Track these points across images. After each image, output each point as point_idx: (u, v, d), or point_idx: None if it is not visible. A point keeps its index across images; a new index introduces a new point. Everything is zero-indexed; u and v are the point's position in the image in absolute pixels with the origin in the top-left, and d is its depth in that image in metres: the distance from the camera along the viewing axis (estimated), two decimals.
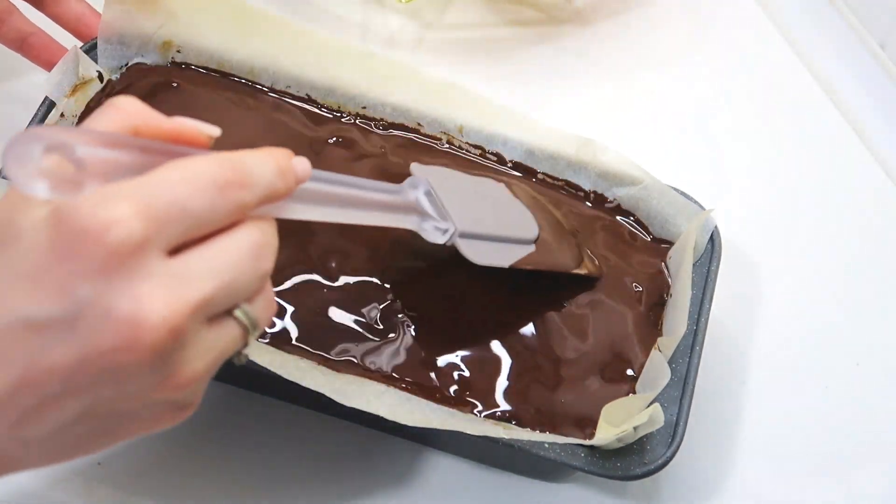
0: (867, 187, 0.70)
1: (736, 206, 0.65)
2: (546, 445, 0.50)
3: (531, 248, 0.54)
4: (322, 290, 0.54)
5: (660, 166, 0.60)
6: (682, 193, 0.59)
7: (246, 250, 0.37)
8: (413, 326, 0.53)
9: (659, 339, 0.54)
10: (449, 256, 0.51)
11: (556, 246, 0.56)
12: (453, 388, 0.52)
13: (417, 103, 0.61)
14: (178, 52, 0.62)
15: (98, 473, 0.54)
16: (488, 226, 0.53)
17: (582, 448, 0.50)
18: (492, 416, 0.52)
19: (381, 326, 0.53)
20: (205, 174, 0.36)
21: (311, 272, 0.54)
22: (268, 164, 0.39)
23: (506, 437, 0.50)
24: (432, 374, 0.53)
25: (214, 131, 0.40)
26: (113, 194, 0.34)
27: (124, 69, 0.61)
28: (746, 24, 0.78)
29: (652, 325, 0.56)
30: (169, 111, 0.59)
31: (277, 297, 0.53)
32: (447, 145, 0.61)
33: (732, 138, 0.72)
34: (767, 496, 0.57)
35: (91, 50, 0.60)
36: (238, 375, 0.56)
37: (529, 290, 0.56)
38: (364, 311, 0.54)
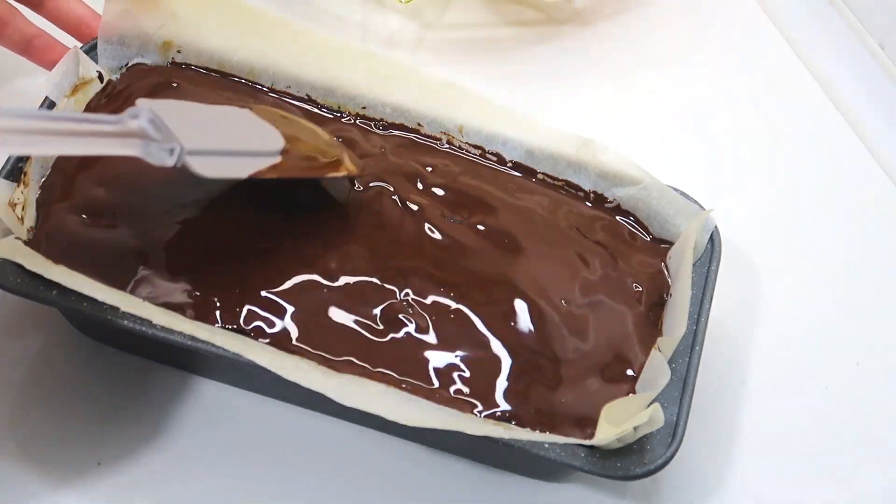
0: (867, 187, 0.70)
1: (736, 206, 0.65)
2: (546, 445, 0.50)
3: (276, 159, 0.54)
4: (322, 290, 0.54)
5: (660, 166, 0.60)
6: (682, 193, 0.59)
7: None
8: (414, 326, 0.53)
9: (659, 339, 0.54)
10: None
11: (309, 154, 0.56)
12: (453, 388, 0.52)
13: (417, 103, 0.61)
14: (179, 52, 0.62)
15: (98, 473, 0.54)
16: (222, 143, 0.52)
17: (582, 448, 0.50)
18: (492, 416, 0.52)
19: (382, 326, 0.53)
20: None
21: (311, 272, 0.54)
22: None
23: (506, 437, 0.50)
24: (432, 374, 0.53)
25: None
26: None
27: (124, 69, 0.61)
28: (746, 24, 0.78)
29: (652, 325, 0.56)
30: None
31: (277, 297, 0.53)
32: (447, 145, 0.61)
33: (732, 138, 0.72)
34: (767, 496, 0.57)
35: (91, 50, 0.60)
36: (238, 376, 0.56)
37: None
38: (364, 311, 0.54)
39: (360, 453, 0.56)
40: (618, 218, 0.60)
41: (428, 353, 0.53)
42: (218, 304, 0.53)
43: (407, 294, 0.54)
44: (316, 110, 0.62)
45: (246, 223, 0.56)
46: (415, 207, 0.58)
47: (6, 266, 0.51)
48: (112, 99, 0.60)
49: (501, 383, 0.53)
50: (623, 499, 0.56)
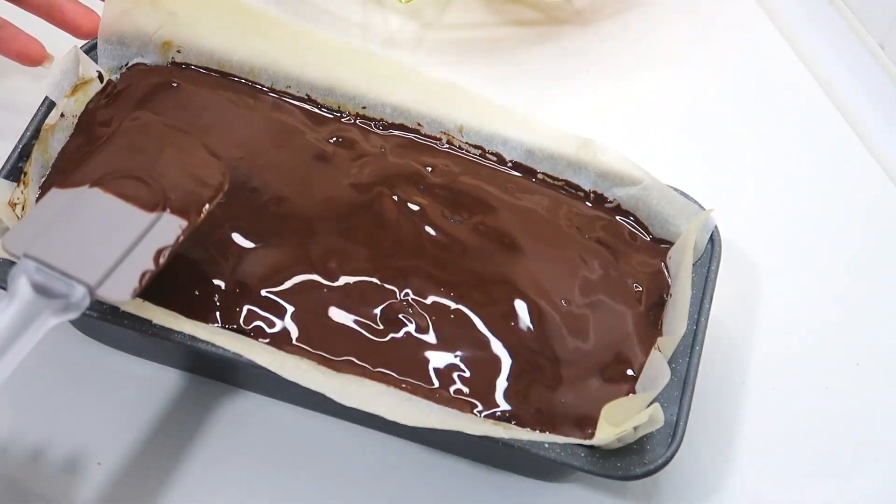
0: (867, 187, 0.70)
1: (736, 206, 0.65)
2: (546, 445, 0.50)
3: (173, 221, 0.50)
4: (322, 290, 0.54)
5: (660, 166, 0.60)
6: (682, 193, 0.59)
7: None
8: (414, 326, 0.53)
9: (659, 339, 0.54)
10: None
11: (182, 183, 0.51)
12: (453, 388, 0.52)
13: (417, 103, 0.61)
14: (178, 52, 0.62)
15: (98, 473, 0.54)
16: (113, 246, 0.47)
17: (582, 448, 0.50)
18: (492, 416, 0.52)
19: (382, 326, 0.53)
20: None
21: (311, 272, 0.54)
22: None
23: (506, 437, 0.50)
24: (432, 374, 0.53)
25: None
26: None
27: (124, 69, 0.61)
28: (746, 24, 0.78)
29: (652, 325, 0.56)
30: (169, 111, 0.60)
31: (277, 296, 0.53)
32: (447, 145, 0.61)
33: (732, 138, 0.72)
34: (767, 496, 0.57)
35: (91, 50, 0.60)
36: (238, 376, 0.56)
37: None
38: (364, 310, 0.54)
39: (360, 453, 0.56)
40: (618, 218, 0.60)
41: (428, 353, 0.53)
42: (218, 304, 0.53)
43: (407, 294, 0.54)
44: (316, 110, 0.62)
45: (246, 222, 0.56)
46: (415, 207, 0.58)
47: (6, 266, 0.51)
48: (112, 99, 0.60)
49: (501, 383, 0.53)
50: (623, 499, 0.56)
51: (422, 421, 0.49)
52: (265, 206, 0.57)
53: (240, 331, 0.52)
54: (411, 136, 0.61)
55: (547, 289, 0.56)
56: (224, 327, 0.52)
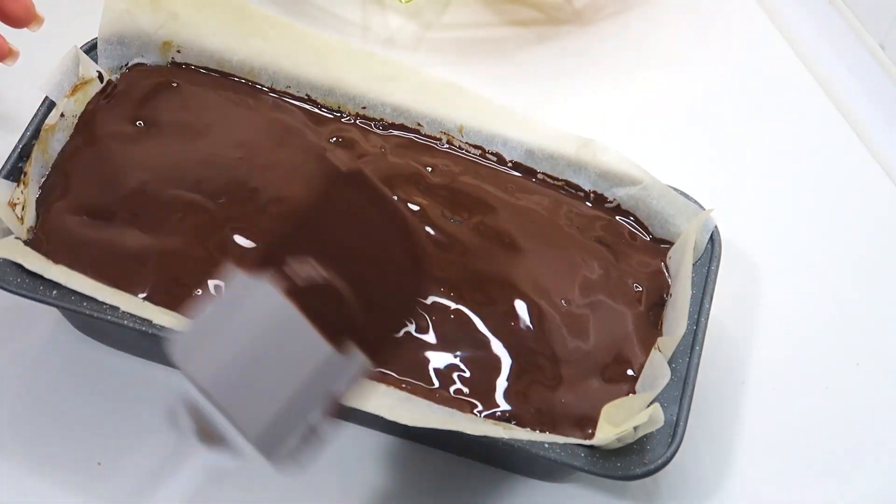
0: (867, 187, 0.70)
1: (736, 206, 0.65)
2: (546, 445, 0.50)
3: (355, 363, 0.41)
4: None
5: (660, 166, 0.60)
6: (682, 193, 0.59)
7: None
8: (414, 325, 0.53)
9: (659, 339, 0.54)
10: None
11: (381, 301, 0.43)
12: (453, 387, 0.52)
13: (417, 103, 0.61)
14: (179, 52, 0.62)
15: (98, 473, 0.54)
16: (275, 395, 0.40)
17: (582, 448, 0.50)
18: (492, 416, 0.52)
19: None
20: None
21: None
22: None
23: (506, 437, 0.50)
24: (432, 374, 0.53)
25: None
26: None
27: (124, 69, 0.61)
28: (746, 24, 0.78)
29: (652, 325, 0.56)
30: (169, 111, 0.60)
31: None
32: (447, 145, 0.61)
33: (732, 138, 0.72)
34: (767, 496, 0.57)
35: (91, 50, 0.60)
36: None
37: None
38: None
39: (360, 453, 0.56)
40: (618, 218, 0.60)
41: (428, 353, 0.53)
42: None
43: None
44: (316, 110, 0.62)
45: (246, 223, 0.56)
46: (415, 207, 0.58)
47: (6, 266, 0.51)
48: (112, 99, 0.60)
49: (501, 383, 0.53)
50: (623, 499, 0.56)
51: (422, 421, 0.49)
52: (265, 207, 0.56)
53: None
54: (411, 136, 0.61)
55: (547, 289, 0.56)
56: None
